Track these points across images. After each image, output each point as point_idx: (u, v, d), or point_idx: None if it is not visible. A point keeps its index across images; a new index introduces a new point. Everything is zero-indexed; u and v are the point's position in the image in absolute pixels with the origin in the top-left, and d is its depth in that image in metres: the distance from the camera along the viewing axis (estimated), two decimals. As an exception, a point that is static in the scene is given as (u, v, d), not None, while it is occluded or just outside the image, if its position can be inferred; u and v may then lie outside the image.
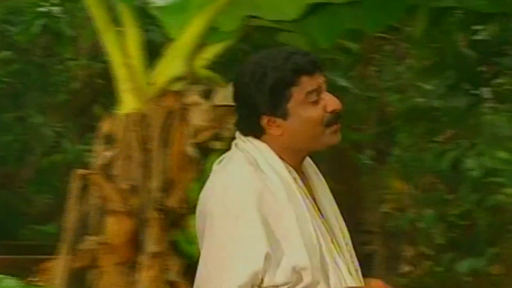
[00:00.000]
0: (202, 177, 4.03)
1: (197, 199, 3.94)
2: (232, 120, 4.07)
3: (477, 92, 7.41)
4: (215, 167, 2.44)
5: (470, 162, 8.97)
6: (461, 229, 10.38)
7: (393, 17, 4.73)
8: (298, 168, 2.51)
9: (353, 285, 2.34)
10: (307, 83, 2.35)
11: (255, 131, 2.41)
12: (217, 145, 4.08)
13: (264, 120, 2.38)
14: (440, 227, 10.50)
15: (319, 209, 2.49)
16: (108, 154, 4.26)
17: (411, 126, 9.50)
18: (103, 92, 10.57)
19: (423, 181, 11.05)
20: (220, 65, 5.29)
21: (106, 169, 4.29)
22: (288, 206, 2.34)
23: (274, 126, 2.37)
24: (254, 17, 4.39)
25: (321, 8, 4.27)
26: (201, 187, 3.94)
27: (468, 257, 9.76)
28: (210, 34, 4.32)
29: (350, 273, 2.45)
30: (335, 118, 2.36)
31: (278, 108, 2.35)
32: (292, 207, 2.34)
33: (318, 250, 2.35)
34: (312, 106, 2.36)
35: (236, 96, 2.45)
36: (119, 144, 4.23)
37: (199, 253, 3.53)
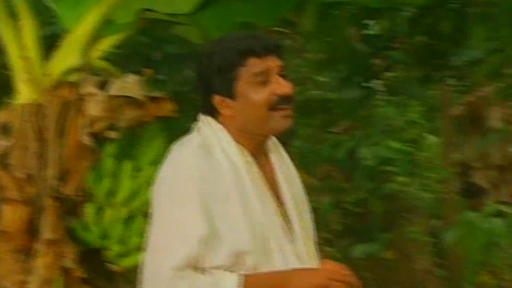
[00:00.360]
0: (97, 166, 4.13)
1: (92, 188, 4.17)
2: (128, 110, 4.09)
3: (370, 84, 7.63)
4: (175, 146, 2.76)
5: (364, 152, 9.38)
6: (356, 216, 10.77)
7: (283, 10, 4.75)
8: (256, 152, 2.73)
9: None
10: (255, 64, 2.59)
11: (210, 111, 2.69)
12: (113, 134, 4.09)
13: (216, 100, 2.63)
14: (336, 214, 10.90)
15: (275, 191, 2.76)
16: (4, 144, 4.22)
17: (308, 117, 9.56)
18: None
19: (321, 170, 11.24)
20: (119, 57, 5.40)
21: (2, 159, 4.24)
22: (234, 190, 2.60)
23: (225, 106, 2.64)
24: (150, 10, 4.36)
25: (213, 1, 4.32)
26: (97, 176, 4.25)
27: (363, 243, 10.17)
28: (106, 26, 4.33)
29: (300, 258, 2.70)
30: (285, 102, 2.59)
31: (226, 88, 2.62)
32: (238, 192, 2.60)
33: (262, 236, 2.63)
34: (259, 88, 2.60)
35: (196, 76, 2.78)
36: (15, 134, 4.21)
37: (95, 240, 3.73)
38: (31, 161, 4.20)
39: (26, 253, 4.10)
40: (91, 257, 4.24)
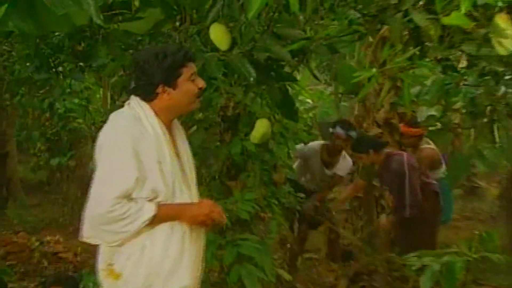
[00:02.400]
0: None
1: None
2: None
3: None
4: (112, 115, 3.58)
5: (58, 105, 11.05)
6: (52, 142, 12.16)
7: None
8: (167, 125, 3.61)
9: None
10: (191, 67, 3.54)
11: (150, 96, 3.54)
12: None
13: (160, 89, 3.51)
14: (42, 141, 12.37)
15: (178, 156, 3.69)
16: None
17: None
18: None
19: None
20: None
21: None
22: (155, 149, 3.47)
23: (165, 94, 3.52)
24: None
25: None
26: None
27: (57, 157, 11.85)
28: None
29: (191, 196, 3.68)
30: (201, 92, 3.59)
31: (171, 81, 3.52)
32: (157, 151, 3.47)
33: (171, 183, 3.52)
34: (191, 83, 3.56)
35: (138, 70, 3.58)
36: None
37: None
38: None
39: None
40: None
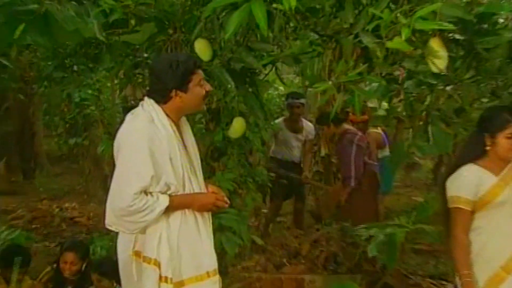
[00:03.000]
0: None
1: None
2: None
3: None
4: (128, 117, 3.45)
5: (73, 95, 10.67)
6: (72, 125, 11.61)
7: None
8: (177, 123, 3.48)
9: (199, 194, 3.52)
10: (199, 73, 3.42)
11: (164, 99, 3.42)
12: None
13: (173, 93, 3.39)
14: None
15: (186, 149, 3.54)
16: None
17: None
18: None
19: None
20: None
21: None
22: (167, 148, 3.35)
23: (178, 97, 3.40)
24: None
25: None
26: None
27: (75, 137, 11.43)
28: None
29: (199, 186, 3.57)
30: (207, 94, 3.49)
31: (183, 86, 3.40)
32: (169, 148, 3.35)
33: (181, 175, 3.41)
34: (200, 87, 3.45)
35: (153, 77, 3.48)
36: None
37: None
38: None
39: None
40: None
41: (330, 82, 3.71)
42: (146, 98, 3.47)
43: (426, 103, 4.06)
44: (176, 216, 3.44)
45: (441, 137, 4.36)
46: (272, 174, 6.87)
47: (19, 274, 5.45)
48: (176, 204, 3.40)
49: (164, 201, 3.33)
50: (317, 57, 3.93)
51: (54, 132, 12.28)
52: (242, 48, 4.31)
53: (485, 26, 3.69)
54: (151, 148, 3.29)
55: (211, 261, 3.57)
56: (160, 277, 3.41)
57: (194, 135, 3.83)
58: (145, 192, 3.28)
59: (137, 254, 3.48)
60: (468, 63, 3.83)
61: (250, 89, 4.70)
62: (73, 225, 9.33)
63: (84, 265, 5.56)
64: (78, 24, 4.09)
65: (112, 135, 7.87)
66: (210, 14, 3.89)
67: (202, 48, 4.25)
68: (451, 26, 3.38)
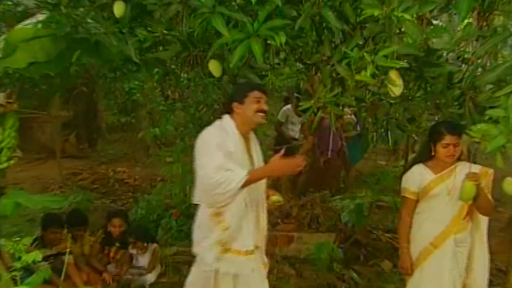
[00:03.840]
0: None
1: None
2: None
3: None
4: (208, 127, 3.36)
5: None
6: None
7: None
8: (245, 135, 3.39)
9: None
10: (257, 93, 3.37)
11: (228, 110, 3.41)
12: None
13: (234, 105, 3.36)
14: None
15: (251, 156, 3.42)
16: None
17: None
18: None
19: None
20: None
21: None
22: (230, 146, 3.27)
23: (237, 109, 3.36)
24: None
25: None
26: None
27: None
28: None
29: (258, 188, 3.41)
30: (263, 110, 3.34)
31: (240, 100, 3.37)
32: (231, 146, 3.28)
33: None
34: (256, 104, 3.37)
35: (228, 99, 3.47)
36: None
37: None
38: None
39: None
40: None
41: (312, 101, 3.53)
42: (224, 114, 3.45)
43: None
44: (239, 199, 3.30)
45: (397, 138, 4.27)
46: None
47: (79, 232, 5.38)
48: (254, 175, 3.21)
49: (241, 174, 3.15)
50: (302, 80, 3.71)
51: (110, 112, 12.01)
52: (245, 67, 4.12)
53: (431, 59, 3.46)
54: (218, 144, 3.21)
55: (251, 242, 3.47)
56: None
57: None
58: (225, 169, 3.15)
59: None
60: (419, 85, 3.69)
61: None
62: (123, 185, 9.17)
63: (125, 226, 5.54)
64: (121, 47, 4.03)
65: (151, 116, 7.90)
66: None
67: (214, 67, 4.08)
68: (405, 64, 3.23)
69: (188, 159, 6.22)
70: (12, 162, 4.38)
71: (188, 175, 6.36)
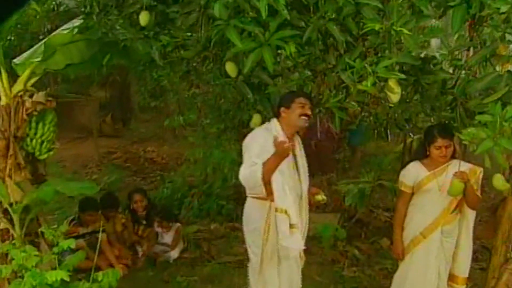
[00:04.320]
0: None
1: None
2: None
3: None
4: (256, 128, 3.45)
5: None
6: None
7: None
8: (290, 137, 3.38)
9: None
10: (302, 100, 3.39)
11: (276, 114, 3.45)
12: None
13: (281, 110, 3.41)
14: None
15: (296, 164, 3.44)
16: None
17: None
18: None
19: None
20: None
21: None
22: (271, 146, 3.25)
23: (284, 113, 3.39)
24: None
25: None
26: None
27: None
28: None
29: (301, 187, 3.47)
30: (306, 115, 3.35)
31: (288, 105, 3.39)
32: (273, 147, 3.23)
33: (289, 176, 3.34)
34: (300, 109, 3.37)
35: (275, 104, 3.52)
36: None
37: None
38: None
39: None
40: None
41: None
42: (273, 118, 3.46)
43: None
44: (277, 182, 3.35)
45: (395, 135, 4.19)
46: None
47: (112, 213, 5.44)
48: (268, 163, 3.23)
49: (259, 164, 3.22)
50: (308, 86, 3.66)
51: (141, 96, 11.80)
52: (258, 68, 4.01)
53: (427, 66, 3.44)
54: (261, 144, 3.26)
55: (297, 221, 3.46)
56: (290, 224, 3.34)
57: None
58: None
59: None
60: (415, 89, 3.59)
61: (265, 96, 4.47)
62: (152, 164, 9.23)
63: (147, 203, 5.61)
64: (146, 51, 4.02)
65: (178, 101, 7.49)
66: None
67: (230, 68, 4.01)
68: (402, 76, 3.17)
69: (208, 144, 6.27)
70: (51, 153, 4.36)
71: (208, 159, 6.37)
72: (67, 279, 3.14)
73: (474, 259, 3.89)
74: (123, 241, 5.41)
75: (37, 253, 3.29)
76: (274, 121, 3.37)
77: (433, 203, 3.77)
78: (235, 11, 3.34)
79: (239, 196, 6.28)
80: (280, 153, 3.19)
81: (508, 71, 3.32)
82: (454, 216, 3.76)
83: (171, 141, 10.61)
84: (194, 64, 5.12)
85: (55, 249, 3.39)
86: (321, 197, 3.61)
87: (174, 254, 5.28)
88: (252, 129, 3.53)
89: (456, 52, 3.52)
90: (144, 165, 9.10)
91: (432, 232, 3.73)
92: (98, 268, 4.80)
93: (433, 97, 3.59)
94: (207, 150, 6.30)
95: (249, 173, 3.18)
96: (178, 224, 5.48)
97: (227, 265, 5.23)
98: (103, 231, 5.08)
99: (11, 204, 3.96)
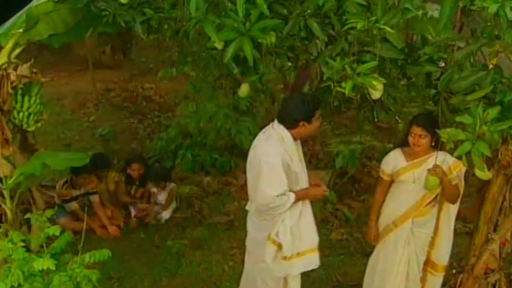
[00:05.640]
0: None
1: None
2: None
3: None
4: (264, 137, 3.37)
5: None
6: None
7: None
8: (296, 142, 3.40)
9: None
10: (319, 111, 3.35)
11: (293, 127, 3.33)
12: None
13: (301, 123, 3.30)
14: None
15: (302, 162, 3.47)
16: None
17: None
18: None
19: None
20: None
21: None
22: (289, 157, 3.32)
23: (303, 127, 3.32)
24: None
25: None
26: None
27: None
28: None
29: (306, 181, 3.46)
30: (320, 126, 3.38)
31: (309, 119, 3.31)
32: (290, 158, 3.32)
33: (295, 175, 3.36)
34: (318, 120, 3.37)
35: (288, 109, 3.35)
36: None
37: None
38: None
39: None
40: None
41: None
42: (276, 122, 3.36)
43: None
44: (296, 206, 3.38)
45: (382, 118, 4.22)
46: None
47: (103, 173, 5.56)
48: (297, 198, 3.33)
49: (292, 197, 3.27)
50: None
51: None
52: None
53: (414, 55, 3.42)
54: (283, 160, 3.24)
55: (315, 239, 3.54)
56: (283, 256, 3.40)
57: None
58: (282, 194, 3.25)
59: (272, 238, 3.44)
60: (403, 73, 3.54)
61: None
62: (150, 102, 9.14)
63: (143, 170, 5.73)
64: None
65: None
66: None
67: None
68: (383, 80, 3.13)
69: (200, 98, 6.27)
70: (39, 124, 4.40)
71: (201, 112, 6.41)
72: (52, 268, 3.28)
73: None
74: (116, 202, 5.57)
75: (23, 242, 3.39)
76: (286, 132, 3.35)
77: (406, 194, 3.83)
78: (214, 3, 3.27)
79: (233, 147, 6.34)
80: (314, 196, 3.46)
81: (495, 67, 3.24)
82: (429, 209, 3.79)
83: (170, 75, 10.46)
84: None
85: (42, 235, 3.52)
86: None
87: (166, 214, 5.46)
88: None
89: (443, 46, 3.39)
90: (141, 105, 9.05)
91: (403, 222, 3.80)
92: (91, 230, 5.08)
93: (419, 86, 3.55)
94: (201, 103, 6.30)
95: (278, 205, 3.24)
96: (173, 185, 5.63)
97: (217, 227, 5.40)
98: (96, 192, 5.25)
99: (0, 179, 3.99)
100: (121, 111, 8.70)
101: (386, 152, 5.66)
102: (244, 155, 6.10)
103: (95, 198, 5.26)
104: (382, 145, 5.73)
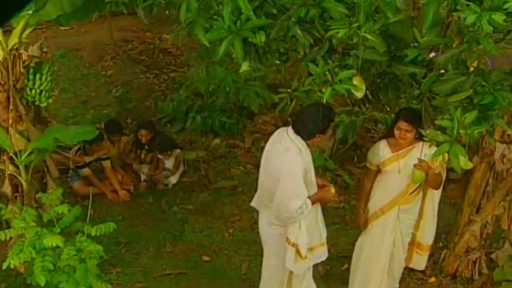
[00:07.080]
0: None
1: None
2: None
3: None
4: (286, 149, 3.45)
5: None
6: None
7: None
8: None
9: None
10: (333, 122, 3.54)
11: (310, 137, 3.48)
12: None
13: (317, 135, 3.45)
14: None
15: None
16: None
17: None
18: None
19: None
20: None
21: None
22: (306, 166, 3.46)
23: (319, 137, 3.49)
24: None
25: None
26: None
27: None
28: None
29: (315, 186, 3.56)
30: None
31: (324, 131, 3.48)
32: (307, 166, 3.47)
33: (311, 181, 3.50)
34: (331, 130, 3.55)
35: (305, 121, 3.46)
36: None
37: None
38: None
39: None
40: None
41: (288, 90, 3.64)
42: (292, 132, 3.47)
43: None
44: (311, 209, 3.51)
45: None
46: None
47: (115, 137, 5.84)
48: (312, 203, 3.48)
49: (310, 205, 3.42)
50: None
51: None
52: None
53: (400, 54, 3.49)
54: (303, 171, 3.38)
55: (324, 233, 3.71)
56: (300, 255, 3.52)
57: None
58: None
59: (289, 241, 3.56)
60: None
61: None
62: (167, 55, 9.21)
63: (153, 135, 5.94)
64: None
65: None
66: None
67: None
68: (362, 87, 3.24)
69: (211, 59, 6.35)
70: (50, 100, 4.67)
71: (211, 75, 6.52)
72: (61, 245, 3.62)
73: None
74: (126, 167, 5.88)
75: (35, 218, 3.71)
76: (303, 142, 3.48)
77: (392, 184, 4.06)
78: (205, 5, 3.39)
79: (241, 109, 6.54)
80: (326, 201, 3.75)
81: (476, 70, 3.33)
82: (413, 196, 4.02)
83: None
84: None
85: (52, 213, 3.87)
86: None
87: (173, 180, 5.76)
88: None
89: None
90: (158, 58, 9.13)
91: (390, 210, 4.03)
92: (102, 194, 5.45)
93: (404, 84, 3.67)
94: (211, 66, 6.43)
95: (300, 214, 3.39)
96: (178, 151, 5.88)
97: (222, 191, 5.64)
98: (108, 158, 5.58)
99: (15, 153, 4.34)
100: (138, 65, 8.82)
101: (387, 121, 5.85)
102: (252, 117, 6.31)
103: (107, 164, 5.56)
104: (382, 115, 5.82)
